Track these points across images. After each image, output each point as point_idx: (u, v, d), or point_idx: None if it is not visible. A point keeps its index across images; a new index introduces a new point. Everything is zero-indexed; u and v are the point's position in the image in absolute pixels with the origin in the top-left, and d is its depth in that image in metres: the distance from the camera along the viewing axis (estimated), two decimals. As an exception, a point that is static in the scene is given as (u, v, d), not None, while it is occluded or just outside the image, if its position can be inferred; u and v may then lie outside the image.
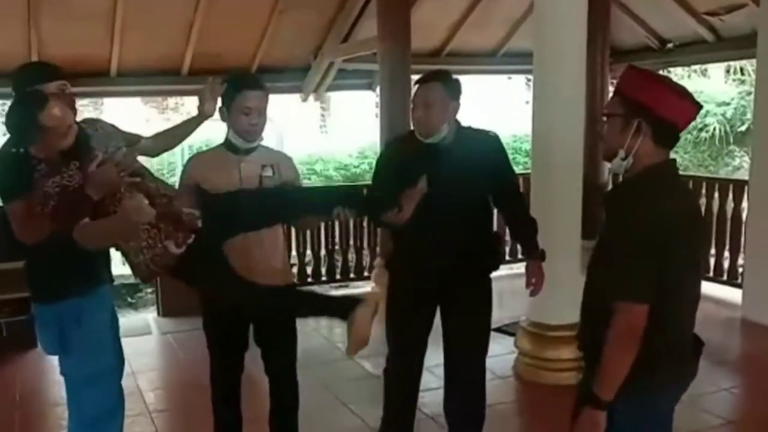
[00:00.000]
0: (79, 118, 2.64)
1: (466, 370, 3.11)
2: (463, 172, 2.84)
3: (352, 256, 6.41)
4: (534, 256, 3.10)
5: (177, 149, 13.36)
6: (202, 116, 2.83)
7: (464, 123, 3.02)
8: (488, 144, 3.02)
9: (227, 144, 2.87)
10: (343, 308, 2.68)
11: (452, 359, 3.12)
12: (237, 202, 2.76)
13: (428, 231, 2.87)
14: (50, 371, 4.46)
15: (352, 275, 6.42)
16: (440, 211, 2.82)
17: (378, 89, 6.69)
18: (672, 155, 2.02)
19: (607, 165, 2.01)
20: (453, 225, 2.87)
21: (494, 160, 2.99)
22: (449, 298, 3.02)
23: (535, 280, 3.09)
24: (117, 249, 2.56)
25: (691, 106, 1.91)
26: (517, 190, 3.21)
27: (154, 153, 2.99)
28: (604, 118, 2.01)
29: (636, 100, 1.88)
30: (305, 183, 10.46)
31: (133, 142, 2.81)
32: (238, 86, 2.80)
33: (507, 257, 6.09)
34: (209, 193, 2.79)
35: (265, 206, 2.81)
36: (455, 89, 2.94)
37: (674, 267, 1.87)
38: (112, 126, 2.76)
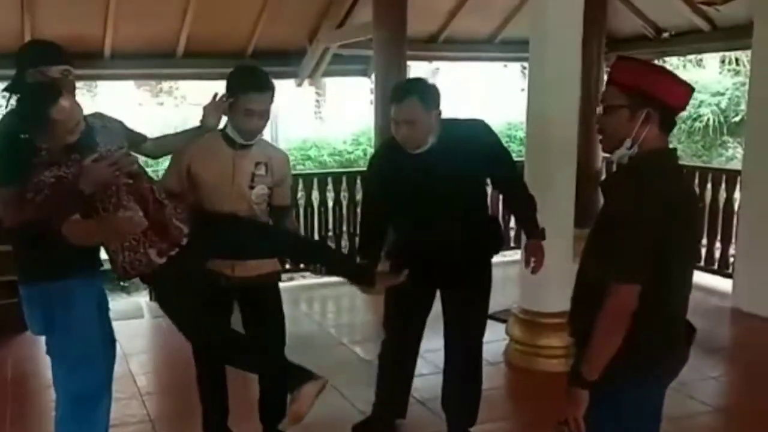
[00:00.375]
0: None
1: (463, 355, 3.15)
2: (455, 172, 2.82)
3: (345, 242, 6.41)
4: (534, 234, 3.09)
5: (171, 133, 13.25)
6: (204, 129, 2.80)
7: (447, 116, 2.95)
8: (476, 134, 2.97)
9: (224, 135, 2.82)
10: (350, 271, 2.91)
11: (450, 344, 3.16)
12: (237, 231, 2.74)
13: (426, 233, 2.90)
14: (42, 354, 4.41)
15: (345, 261, 6.41)
16: (436, 215, 2.86)
17: (373, 75, 6.67)
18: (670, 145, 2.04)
19: (606, 155, 2.00)
20: (451, 225, 2.88)
21: (486, 147, 2.95)
22: (449, 283, 3.04)
23: (535, 259, 3.07)
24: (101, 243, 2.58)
25: (687, 89, 1.98)
26: (514, 170, 3.17)
27: (155, 156, 2.99)
28: (601, 111, 1.99)
29: (642, 90, 1.90)
30: (299, 169, 10.47)
31: (137, 142, 2.79)
32: (245, 86, 2.72)
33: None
34: (209, 211, 2.77)
35: (263, 243, 2.81)
36: (433, 97, 2.85)
37: (671, 252, 1.88)
38: (120, 123, 2.74)
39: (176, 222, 2.59)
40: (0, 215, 2.50)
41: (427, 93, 2.83)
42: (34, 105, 2.39)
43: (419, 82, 2.95)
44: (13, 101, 2.55)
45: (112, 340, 2.85)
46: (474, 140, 2.93)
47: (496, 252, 3.20)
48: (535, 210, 3.08)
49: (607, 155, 2.04)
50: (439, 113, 2.86)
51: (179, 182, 2.85)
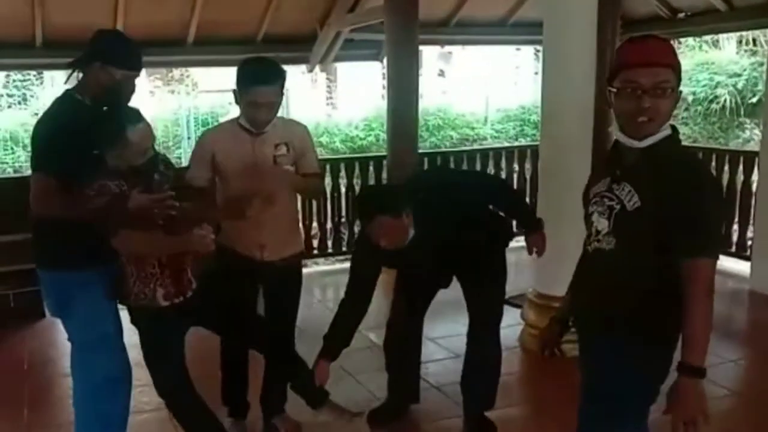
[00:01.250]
0: None
1: (479, 338, 3.18)
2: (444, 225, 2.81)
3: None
4: (532, 226, 3.13)
5: (183, 121, 13.34)
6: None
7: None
8: (446, 207, 2.86)
9: (240, 124, 2.87)
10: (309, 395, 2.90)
11: (469, 327, 3.20)
12: (231, 313, 2.82)
13: (426, 258, 2.92)
14: (58, 341, 4.49)
15: (358, 247, 6.41)
16: (438, 249, 2.88)
17: (385, 60, 6.62)
18: (682, 127, 2.01)
19: (633, 142, 1.95)
20: (453, 244, 2.89)
21: (462, 207, 2.87)
22: (463, 271, 3.09)
23: (537, 249, 3.12)
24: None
25: None
26: (505, 195, 3.25)
27: None
28: (653, 94, 1.87)
29: (678, 69, 1.92)
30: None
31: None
32: (250, 79, 2.75)
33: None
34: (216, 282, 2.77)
35: (247, 331, 2.89)
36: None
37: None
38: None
39: (190, 274, 2.64)
40: (31, 200, 2.53)
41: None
42: (112, 124, 2.45)
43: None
44: (73, 79, 2.65)
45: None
46: (448, 213, 2.84)
47: (506, 244, 3.21)
48: (526, 204, 3.13)
49: (634, 142, 1.93)
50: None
51: (206, 172, 2.90)
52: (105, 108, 2.52)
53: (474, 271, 3.07)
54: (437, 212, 2.78)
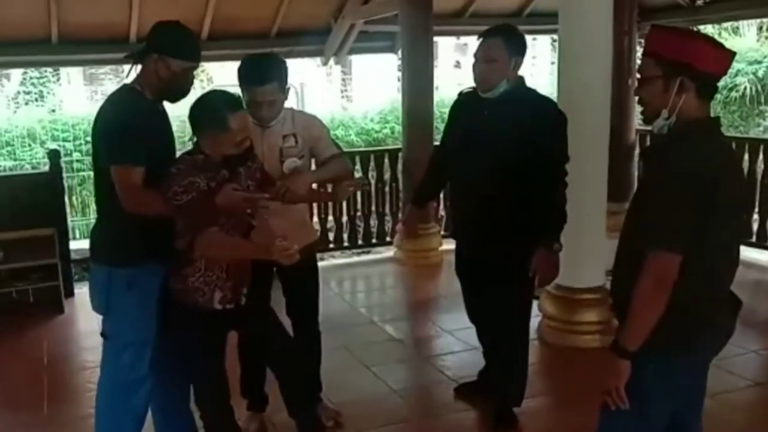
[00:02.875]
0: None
1: (505, 335, 3.13)
2: (508, 133, 2.79)
3: (374, 221, 6.38)
4: (548, 243, 2.90)
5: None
6: None
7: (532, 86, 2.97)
8: (542, 110, 2.90)
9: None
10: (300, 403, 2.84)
11: (495, 324, 3.15)
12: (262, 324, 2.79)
13: (467, 191, 2.98)
14: (78, 336, 4.54)
15: (374, 241, 6.41)
16: (483, 170, 2.86)
17: (400, 51, 6.59)
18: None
19: (645, 127, 1.96)
20: (493, 184, 2.85)
21: (542, 130, 2.80)
22: (488, 268, 3.02)
23: (539, 271, 2.92)
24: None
25: (726, 53, 1.92)
26: (554, 169, 2.87)
27: None
28: (637, 83, 1.97)
29: (675, 59, 1.87)
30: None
31: None
32: (245, 80, 2.80)
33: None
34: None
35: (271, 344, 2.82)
36: (518, 45, 2.89)
37: (715, 222, 1.84)
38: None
39: (245, 283, 2.64)
40: (125, 199, 2.48)
41: (513, 37, 2.88)
42: (215, 108, 2.43)
43: (509, 27, 2.95)
44: (134, 73, 2.59)
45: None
46: (538, 114, 2.86)
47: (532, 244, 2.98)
48: (561, 220, 2.90)
49: (646, 127, 1.99)
50: (519, 61, 2.88)
51: None
52: (172, 100, 2.55)
53: (504, 264, 2.96)
54: (524, 114, 2.80)
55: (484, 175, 2.86)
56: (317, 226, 6.13)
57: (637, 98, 1.98)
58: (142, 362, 2.68)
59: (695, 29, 7.75)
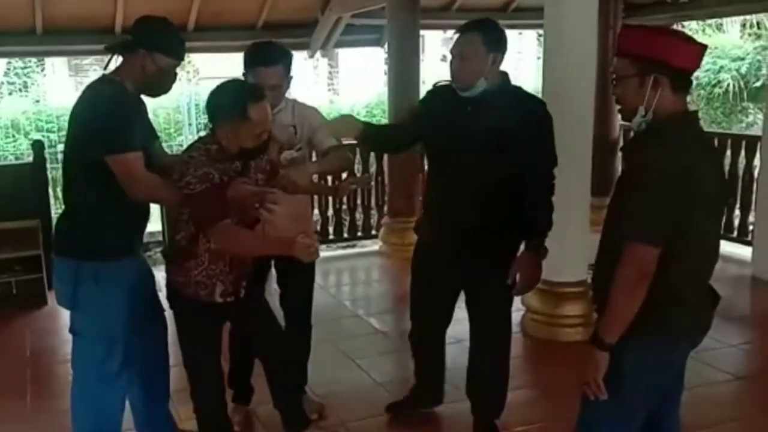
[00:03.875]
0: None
1: (486, 348, 3.01)
2: (494, 133, 2.64)
3: (359, 215, 6.40)
4: (534, 245, 2.79)
5: (184, 108, 13.28)
6: None
7: (516, 83, 2.82)
8: (528, 109, 2.73)
9: None
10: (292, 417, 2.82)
11: (473, 337, 3.03)
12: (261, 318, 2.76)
13: (450, 190, 2.80)
14: (60, 329, 4.49)
15: (359, 234, 6.42)
16: (465, 170, 2.72)
17: (386, 45, 6.59)
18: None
19: (625, 123, 1.99)
20: (477, 187, 2.71)
21: (529, 129, 2.67)
22: (471, 272, 2.86)
23: (521, 276, 2.79)
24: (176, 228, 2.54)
25: (698, 47, 1.95)
26: (542, 171, 2.76)
27: None
28: (614, 82, 2.00)
29: (646, 57, 1.90)
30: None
31: None
32: (251, 62, 2.80)
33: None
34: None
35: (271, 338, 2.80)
36: (497, 40, 2.70)
37: (695, 215, 1.86)
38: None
39: (245, 278, 2.63)
40: (131, 186, 2.43)
41: (491, 32, 2.69)
42: (236, 96, 2.38)
43: (487, 21, 2.76)
44: (114, 63, 2.54)
45: (155, 315, 2.78)
46: (524, 113, 2.70)
47: (516, 247, 2.88)
48: (547, 223, 2.79)
49: (626, 123, 2.02)
50: (499, 58, 2.70)
51: None
52: (153, 95, 2.51)
53: (485, 272, 2.82)
54: (507, 113, 2.65)
55: (470, 176, 2.72)
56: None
57: (615, 97, 2.01)
58: (113, 358, 2.62)
59: (679, 26, 7.82)
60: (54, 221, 5.96)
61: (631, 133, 2.10)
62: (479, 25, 2.71)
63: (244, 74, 2.85)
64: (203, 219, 2.38)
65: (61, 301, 2.67)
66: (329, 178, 4.72)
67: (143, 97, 2.62)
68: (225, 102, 2.39)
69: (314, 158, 3.10)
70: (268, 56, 2.80)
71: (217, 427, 2.77)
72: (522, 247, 2.85)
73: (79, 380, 2.72)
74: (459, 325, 3.12)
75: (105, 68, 2.57)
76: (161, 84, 2.56)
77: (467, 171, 2.72)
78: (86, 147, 2.47)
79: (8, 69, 14.27)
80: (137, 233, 2.60)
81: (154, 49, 2.48)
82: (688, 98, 2.03)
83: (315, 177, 3.03)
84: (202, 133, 2.69)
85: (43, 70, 14.91)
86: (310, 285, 3.18)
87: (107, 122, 2.42)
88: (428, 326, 3.14)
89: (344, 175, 4.16)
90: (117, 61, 2.56)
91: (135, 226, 2.59)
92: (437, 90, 2.90)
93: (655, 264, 1.84)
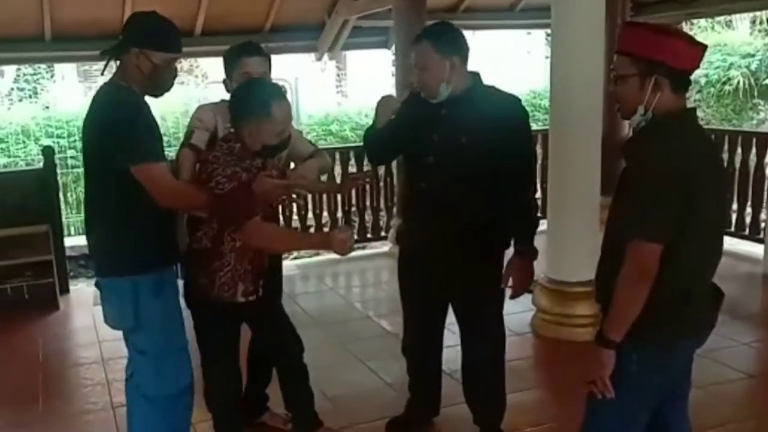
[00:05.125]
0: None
1: (482, 359, 2.96)
2: (469, 135, 2.62)
3: (369, 216, 6.40)
4: (523, 249, 2.75)
5: (192, 112, 13.36)
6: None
7: (489, 82, 2.75)
8: (504, 108, 2.69)
9: None
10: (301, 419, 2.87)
11: (467, 349, 2.99)
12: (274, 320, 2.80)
13: (431, 198, 2.76)
14: (72, 333, 4.55)
15: (369, 235, 6.42)
16: (444, 174, 2.69)
17: (394, 47, 6.59)
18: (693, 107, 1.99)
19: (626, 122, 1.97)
20: (457, 190, 2.67)
21: (506, 127, 2.63)
22: (458, 277, 2.79)
23: (513, 279, 2.76)
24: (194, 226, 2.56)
25: (699, 48, 1.94)
26: (524, 170, 2.76)
27: None
28: (612, 81, 1.99)
29: (649, 58, 1.88)
30: (320, 144, 10.48)
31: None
32: (237, 53, 2.80)
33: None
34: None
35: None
36: (451, 44, 2.64)
37: (695, 212, 1.85)
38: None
39: (262, 276, 2.63)
40: (161, 193, 2.35)
41: (441, 37, 2.64)
42: (260, 95, 2.43)
43: (437, 26, 2.74)
44: (111, 68, 2.44)
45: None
46: (500, 112, 2.66)
47: (504, 247, 2.85)
48: (534, 229, 2.77)
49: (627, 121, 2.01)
50: (458, 60, 2.63)
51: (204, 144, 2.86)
52: (156, 95, 2.44)
53: (473, 278, 2.78)
54: (481, 114, 2.62)
55: (450, 180, 2.68)
56: (312, 221, 6.15)
57: (614, 96, 2.00)
58: (185, 370, 2.55)
59: (688, 23, 7.77)
60: (64, 226, 6.02)
61: (630, 131, 2.09)
62: (429, 32, 2.68)
63: (225, 79, 2.81)
64: (235, 217, 2.40)
65: (118, 323, 2.51)
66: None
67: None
68: (249, 100, 2.45)
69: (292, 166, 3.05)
70: (254, 47, 2.81)
71: (232, 426, 2.80)
72: (512, 249, 2.81)
73: (151, 400, 2.53)
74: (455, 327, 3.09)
75: (102, 73, 2.48)
76: (161, 82, 2.44)
77: (446, 175, 2.69)
78: (110, 159, 2.35)
79: (18, 76, 14.36)
80: (175, 236, 2.56)
81: (144, 46, 2.35)
82: (698, 95, 2.02)
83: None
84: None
85: (52, 76, 14.99)
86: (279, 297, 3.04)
87: (127, 132, 2.32)
88: (422, 337, 3.08)
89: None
90: (114, 65, 2.46)
91: (172, 229, 2.53)
92: (414, 96, 2.87)
93: (658, 262, 1.84)
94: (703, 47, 1.94)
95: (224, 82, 2.84)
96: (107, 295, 2.49)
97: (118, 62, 2.44)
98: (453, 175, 2.67)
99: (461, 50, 2.67)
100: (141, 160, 2.33)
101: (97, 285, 2.54)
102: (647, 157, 1.88)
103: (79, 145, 9.77)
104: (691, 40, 1.95)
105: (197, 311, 2.64)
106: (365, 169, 6.30)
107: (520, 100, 2.77)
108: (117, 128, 2.33)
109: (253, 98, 2.45)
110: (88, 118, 2.44)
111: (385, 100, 2.93)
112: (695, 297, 1.96)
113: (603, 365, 1.94)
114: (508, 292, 2.85)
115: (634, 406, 2.01)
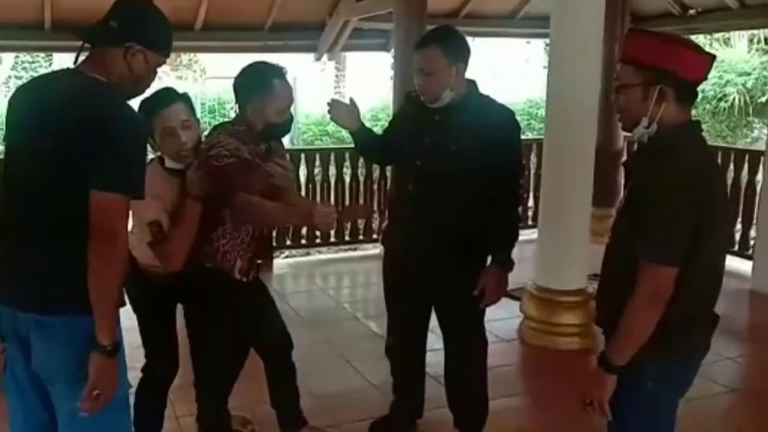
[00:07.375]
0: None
1: (464, 366, 2.97)
2: (461, 142, 2.63)
3: (361, 219, 6.40)
4: (500, 260, 2.72)
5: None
6: None
7: (485, 91, 2.76)
8: (501, 118, 2.69)
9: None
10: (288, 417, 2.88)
11: (449, 355, 2.99)
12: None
13: (416, 201, 2.76)
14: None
15: (360, 237, 6.43)
16: (433, 179, 2.70)
17: (393, 50, 6.61)
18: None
19: (626, 134, 1.95)
20: (445, 195, 2.68)
21: (496, 139, 2.62)
22: (440, 281, 2.81)
23: (487, 290, 2.69)
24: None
25: (707, 58, 1.86)
26: (510, 184, 2.74)
27: None
28: (615, 90, 1.91)
29: (654, 67, 1.81)
30: (317, 144, 10.46)
31: None
32: (151, 107, 2.44)
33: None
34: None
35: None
36: (458, 50, 2.63)
37: (708, 232, 1.78)
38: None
39: (258, 260, 2.68)
40: (104, 233, 1.78)
41: (451, 43, 2.63)
42: (262, 73, 2.53)
43: (445, 31, 2.69)
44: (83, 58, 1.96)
45: None
46: (493, 122, 2.66)
47: (484, 256, 2.80)
48: (513, 243, 2.75)
49: (627, 134, 1.98)
50: (463, 67, 2.65)
51: None
52: (132, 98, 2.06)
53: (456, 285, 2.78)
54: (476, 122, 2.62)
55: (438, 185, 2.68)
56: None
57: (615, 105, 1.93)
58: (125, 424, 2.06)
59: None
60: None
61: (635, 146, 2.03)
62: (438, 37, 2.65)
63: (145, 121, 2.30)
64: (225, 190, 2.44)
65: (62, 376, 1.91)
66: None
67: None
68: (252, 79, 2.55)
69: None
70: (167, 97, 2.49)
71: (217, 416, 2.84)
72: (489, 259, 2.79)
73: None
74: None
75: (75, 61, 1.97)
76: (146, 85, 2.09)
77: (432, 180, 2.70)
78: (91, 173, 1.80)
79: (16, 63, 14.33)
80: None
81: (146, 45, 1.97)
82: (694, 111, 1.99)
83: None
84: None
85: (51, 65, 14.97)
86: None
87: (129, 153, 1.86)
88: (404, 339, 3.08)
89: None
90: (83, 54, 1.99)
91: None
92: (410, 99, 2.87)
93: (673, 285, 1.76)
94: (712, 57, 1.87)
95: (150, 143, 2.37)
96: (48, 339, 1.87)
97: (88, 50, 1.99)
98: (439, 181, 2.68)
99: (466, 57, 2.68)
100: (121, 189, 1.82)
101: (30, 322, 1.87)
102: (657, 175, 1.79)
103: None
104: (699, 49, 1.88)
105: (199, 285, 2.58)
106: (360, 170, 6.34)
107: (513, 113, 2.77)
108: (124, 146, 1.84)
109: (256, 76, 2.55)
110: (56, 112, 1.87)
111: (351, 107, 2.91)
112: (702, 321, 1.91)
113: (604, 389, 1.87)
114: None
115: (657, 429, 1.95)
